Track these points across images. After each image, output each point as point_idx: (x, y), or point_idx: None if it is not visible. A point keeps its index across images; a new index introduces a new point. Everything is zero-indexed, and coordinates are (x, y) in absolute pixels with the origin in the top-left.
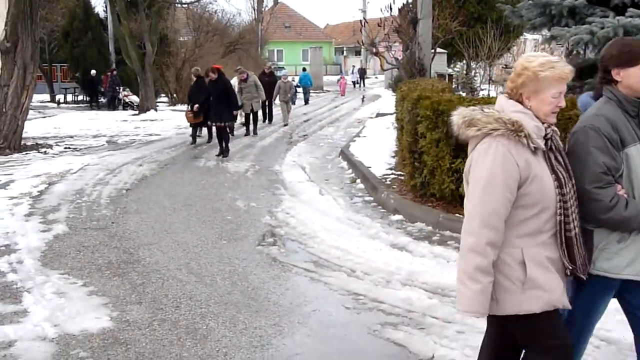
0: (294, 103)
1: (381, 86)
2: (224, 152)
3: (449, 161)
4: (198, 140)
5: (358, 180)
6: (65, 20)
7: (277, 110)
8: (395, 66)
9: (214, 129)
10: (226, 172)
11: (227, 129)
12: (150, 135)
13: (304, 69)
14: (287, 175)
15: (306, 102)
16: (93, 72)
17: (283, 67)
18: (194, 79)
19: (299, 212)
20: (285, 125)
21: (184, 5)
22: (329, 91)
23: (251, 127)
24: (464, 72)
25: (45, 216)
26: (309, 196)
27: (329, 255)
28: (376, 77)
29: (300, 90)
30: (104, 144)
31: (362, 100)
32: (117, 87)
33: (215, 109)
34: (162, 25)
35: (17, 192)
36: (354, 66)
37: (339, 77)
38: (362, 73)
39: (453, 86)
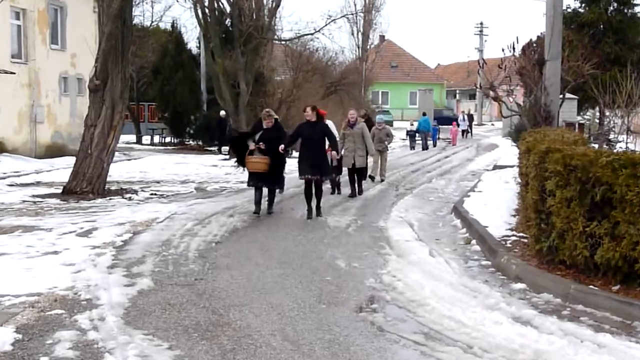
0: (412, 148)
1: (498, 134)
2: (311, 213)
3: (583, 224)
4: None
5: (473, 241)
6: (156, 57)
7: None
8: (517, 113)
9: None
10: (325, 226)
11: (332, 185)
12: (242, 182)
13: (424, 114)
14: (393, 232)
15: (425, 148)
16: (223, 113)
17: (388, 111)
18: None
19: (406, 275)
20: (381, 180)
21: (282, 43)
22: (439, 139)
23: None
24: (597, 120)
25: (129, 269)
26: (418, 257)
27: (442, 327)
28: (492, 124)
29: (419, 137)
30: (192, 191)
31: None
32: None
33: (312, 158)
34: (258, 63)
35: (100, 241)
36: (463, 112)
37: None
38: (470, 119)
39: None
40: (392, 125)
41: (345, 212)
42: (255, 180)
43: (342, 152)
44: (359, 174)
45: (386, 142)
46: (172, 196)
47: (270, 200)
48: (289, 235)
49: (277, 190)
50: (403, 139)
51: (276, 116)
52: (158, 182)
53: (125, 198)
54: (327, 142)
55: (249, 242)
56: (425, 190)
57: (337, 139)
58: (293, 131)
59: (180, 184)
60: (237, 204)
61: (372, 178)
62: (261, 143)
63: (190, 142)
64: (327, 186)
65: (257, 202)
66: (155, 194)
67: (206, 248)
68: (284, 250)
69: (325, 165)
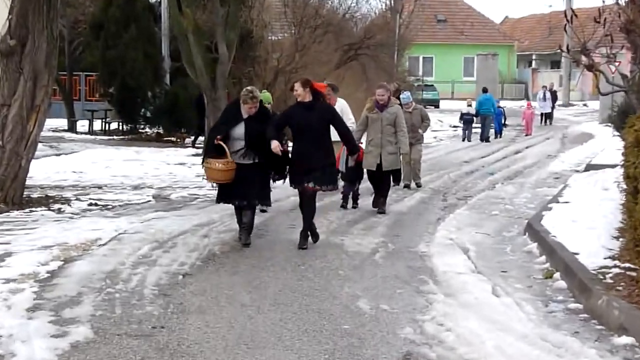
0: (468, 140)
1: (593, 119)
2: (306, 237)
3: None
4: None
5: (557, 275)
6: (97, 6)
7: None
8: (622, 88)
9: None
10: (341, 251)
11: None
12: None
13: (485, 90)
14: (438, 260)
15: (485, 139)
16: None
17: (432, 86)
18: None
19: (459, 322)
20: (417, 185)
21: None
22: (506, 125)
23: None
24: None
25: (58, 312)
26: (475, 297)
27: None
28: (584, 105)
29: (477, 122)
30: (149, 200)
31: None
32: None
33: (308, 158)
34: (244, 16)
35: (15, 273)
36: (544, 87)
37: (524, 104)
38: (553, 98)
39: None
40: (437, 107)
41: (369, 231)
42: (227, 195)
43: (363, 146)
44: (386, 179)
45: (420, 131)
46: (121, 207)
47: (247, 225)
48: (289, 264)
49: (260, 208)
50: (454, 127)
51: (265, 96)
52: (100, 187)
53: (53, 210)
54: (334, 133)
55: (231, 274)
56: (486, 200)
57: (354, 126)
58: (277, 118)
59: (132, 191)
60: (214, 219)
61: (404, 184)
62: (281, 144)
63: (147, 130)
64: (337, 196)
65: (239, 223)
66: (96, 205)
67: (170, 283)
68: (281, 286)
69: (328, 167)
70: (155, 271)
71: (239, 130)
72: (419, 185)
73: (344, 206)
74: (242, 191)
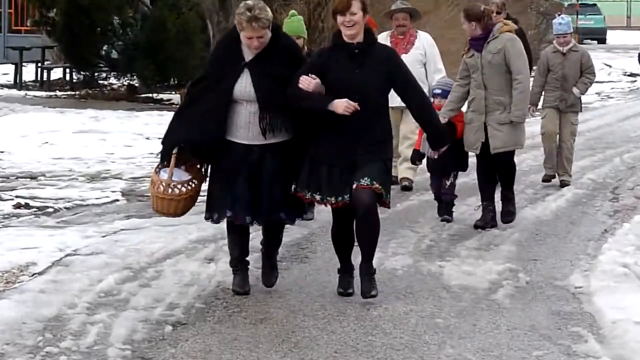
0: None
1: None
2: (369, 280)
3: None
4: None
5: None
6: None
7: None
8: None
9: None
10: (440, 286)
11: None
12: None
13: None
14: (604, 302)
15: None
16: None
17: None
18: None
19: None
20: (561, 184)
21: None
22: None
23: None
24: None
25: None
26: None
27: None
28: None
29: None
30: (116, 200)
31: None
32: None
33: (348, 143)
34: None
35: None
36: None
37: None
38: None
39: None
40: (603, 41)
41: (486, 253)
42: (229, 205)
43: (466, 115)
44: (505, 166)
45: (576, 91)
46: (68, 212)
47: (270, 249)
48: (350, 307)
49: (289, 221)
50: (631, 77)
51: (293, 25)
52: (33, 177)
53: None
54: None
55: (253, 325)
56: None
57: (448, 82)
58: (303, 67)
59: (87, 183)
60: (223, 232)
61: (545, 176)
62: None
63: (113, 81)
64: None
65: (239, 260)
66: (28, 207)
67: (150, 338)
68: (338, 344)
69: (381, 162)
70: (127, 319)
71: (241, 84)
72: (564, 184)
73: (445, 218)
74: (253, 197)
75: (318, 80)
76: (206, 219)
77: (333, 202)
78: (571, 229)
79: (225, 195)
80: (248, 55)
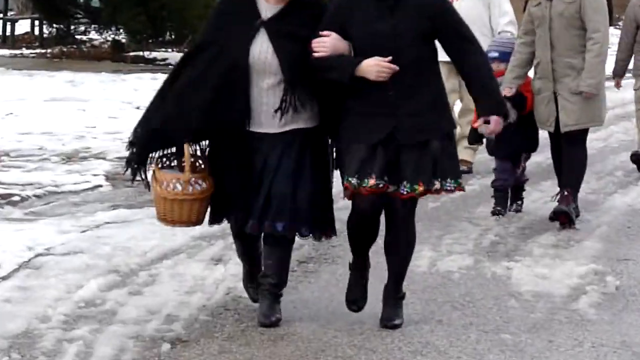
0: None
1: None
2: (394, 305)
3: None
4: None
5: None
6: None
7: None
8: None
9: None
10: (506, 292)
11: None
12: None
13: None
14: None
15: None
16: None
17: None
18: None
19: None
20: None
21: None
22: None
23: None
24: None
25: None
26: None
27: None
28: None
29: None
30: (99, 186)
31: None
32: None
33: (385, 115)
34: None
35: None
36: None
37: None
38: None
39: None
40: None
41: (565, 251)
42: (238, 210)
43: (533, 83)
44: (574, 151)
45: None
46: (40, 200)
47: (279, 267)
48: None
49: (316, 238)
50: None
51: None
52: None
53: None
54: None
55: (271, 342)
56: None
57: (513, 31)
58: (321, 23)
59: (62, 165)
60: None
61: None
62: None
63: (93, 36)
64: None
65: (250, 276)
66: None
67: (142, 359)
68: None
69: (440, 141)
70: (114, 334)
71: (256, 49)
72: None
73: (498, 212)
74: (266, 199)
75: (334, 35)
76: (211, 224)
77: (368, 184)
78: None
79: (230, 196)
80: (266, 12)
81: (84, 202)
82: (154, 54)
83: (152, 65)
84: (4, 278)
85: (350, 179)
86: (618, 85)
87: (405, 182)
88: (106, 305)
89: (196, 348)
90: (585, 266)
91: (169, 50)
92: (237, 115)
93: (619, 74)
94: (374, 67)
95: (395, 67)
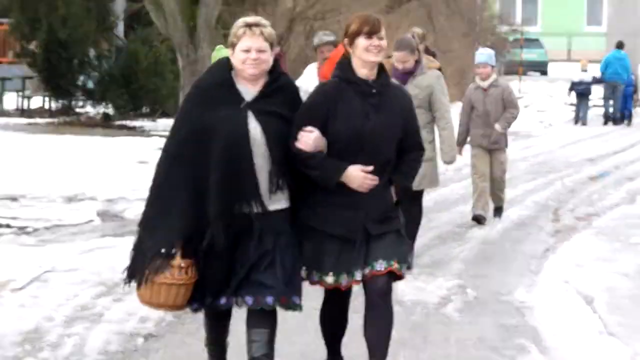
0: (583, 123)
1: None
2: None
3: None
4: None
5: None
6: None
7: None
8: None
9: None
10: (393, 301)
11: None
12: None
13: (619, 45)
14: (546, 316)
15: (625, 118)
16: None
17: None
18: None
19: None
20: (497, 211)
21: None
22: (637, 102)
23: None
24: None
25: None
26: None
27: None
28: None
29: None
30: (91, 220)
31: None
32: None
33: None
34: None
35: None
36: None
37: None
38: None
39: None
40: (545, 73)
41: (437, 269)
42: (214, 291)
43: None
44: (414, 206)
45: (498, 127)
46: (47, 231)
47: (265, 346)
48: (310, 318)
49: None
50: (571, 107)
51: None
52: (13, 198)
53: None
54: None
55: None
56: (623, 220)
57: (448, 116)
58: (302, 107)
59: (64, 204)
60: None
61: (474, 215)
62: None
63: (89, 109)
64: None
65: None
66: (8, 227)
67: (124, 349)
68: (299, 355)
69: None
70: (102, 331)
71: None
72: (498, 210)
73: None
74: (263, 275)
75: (317, 132)
76: (194, 310)
77: (344, 282)
78: (515, 247)
79: (215, 277)
80: (247, 95)
81: (81, 232)
82: (134, 123)
83: (133, 131)
84: (20, 289)
85: (324, 277)
86: (460, 152)
87: (382, 263)
88: (96, 309)
89: (163, 341)
90: (452, 281)
91: (145, 119)
92: (248, 198)
93: (461, 143)
94: (359, 178)
95: (377, 180)
